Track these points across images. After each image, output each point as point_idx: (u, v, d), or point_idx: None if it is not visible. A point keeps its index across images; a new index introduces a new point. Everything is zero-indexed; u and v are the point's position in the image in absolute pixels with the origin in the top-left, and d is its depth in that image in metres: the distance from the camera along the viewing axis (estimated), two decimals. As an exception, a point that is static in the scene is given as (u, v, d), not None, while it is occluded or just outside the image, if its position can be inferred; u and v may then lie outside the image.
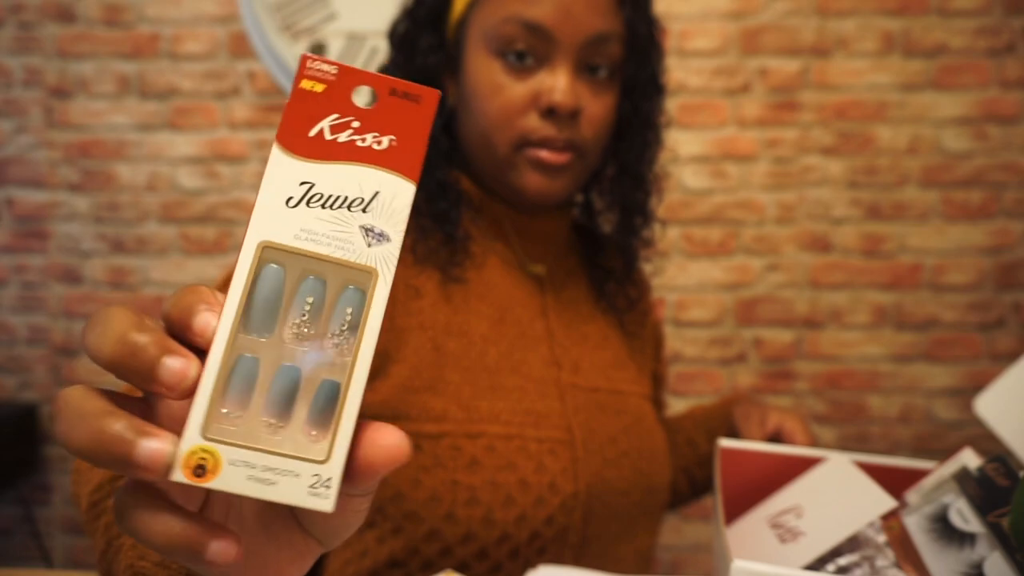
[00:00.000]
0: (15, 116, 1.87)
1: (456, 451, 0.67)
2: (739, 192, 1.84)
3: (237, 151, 1.85)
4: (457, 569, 0.67)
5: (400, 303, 0.72)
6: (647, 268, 0.93)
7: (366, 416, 0.69)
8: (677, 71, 1.83)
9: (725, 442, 0.70)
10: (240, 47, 1.84)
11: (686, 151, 1.84)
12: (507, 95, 0.71)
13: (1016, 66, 1.81)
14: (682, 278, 1.85)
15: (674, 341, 1.85)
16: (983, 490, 0.53)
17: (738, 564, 0.44)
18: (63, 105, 1.86)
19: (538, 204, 0.76)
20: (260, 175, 1.85)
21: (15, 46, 1.85)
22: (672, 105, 1.83)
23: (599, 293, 0.84)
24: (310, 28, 1.78)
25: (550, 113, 0.70)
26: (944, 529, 0.53)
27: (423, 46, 0.76)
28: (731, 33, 1.82)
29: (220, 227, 1.87)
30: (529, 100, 0.71)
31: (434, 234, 0.74)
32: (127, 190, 1.87)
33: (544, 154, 0.71)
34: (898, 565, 0.54)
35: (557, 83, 0.69)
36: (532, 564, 0.69)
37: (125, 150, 1.86)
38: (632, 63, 0.75)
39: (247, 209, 1.85)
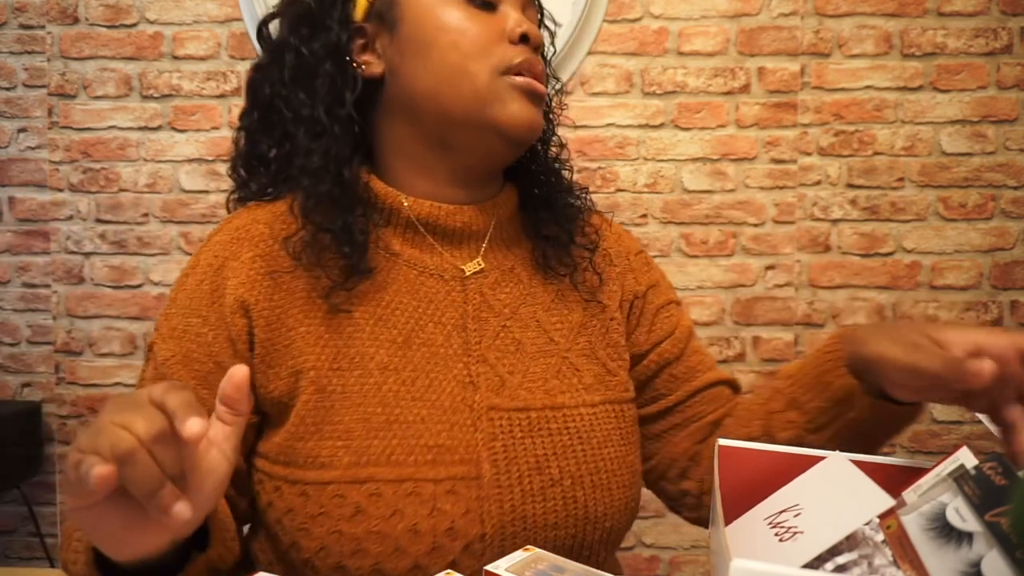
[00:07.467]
0: (18, 116, 1.87)
1: (340, 499, 0.63)
2: (738, 192, 1.85)
3: (238, 151, 1.86)
4: None
5: (283, 347, 0.68)
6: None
7: (265, 460, 0.69)
8: (676, 71, 1.83)
9: (724, 441, 0.71)
10: (241, 47, 1.84)
11: (685, 151, 1.84)
12: (479, 28, 0.71)
13: (1013, 67, 1.82)
14: (681, 278, 1.85)
15: (673, 340, 1.85)
16: (980, 489, 0.53)
17: (737, 563, 0.44)
18: (65, 105, 1.86)
19: (523, 139, 0.73)
20: (261, 175, 1.85)
21: (18, 46, 1.86)
22: (671, 105, 1.84)
23: (546, 277, 0.78)
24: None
25: (523, 40, 0.72)
26: (942, 528, 0.54)
27: (334, 19, 0.72)
28: (730, 34, 1.83)
29: (221, 227, 1.87)
30: (499, 33, 0.72)
31: (332, 268, 0.69)
32: (129, 190, 1.87)
33: (532, 80, 0.71)
34: (896, 564, 0.55)
35: (523, 18, 0.73)
36: None
37: (127, 150, 1.87)
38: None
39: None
